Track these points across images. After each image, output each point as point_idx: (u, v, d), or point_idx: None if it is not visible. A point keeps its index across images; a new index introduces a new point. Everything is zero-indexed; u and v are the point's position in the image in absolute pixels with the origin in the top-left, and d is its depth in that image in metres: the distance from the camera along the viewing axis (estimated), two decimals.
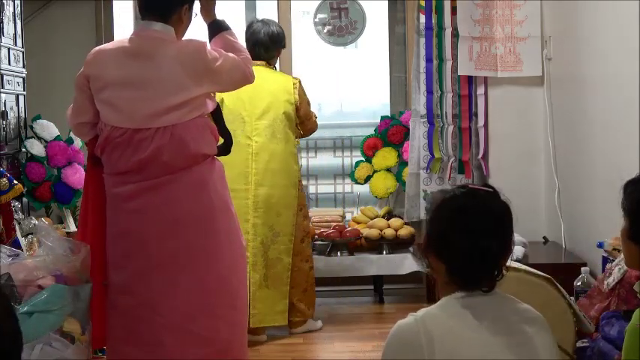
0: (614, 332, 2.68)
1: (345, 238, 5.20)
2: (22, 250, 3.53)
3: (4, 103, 4.88)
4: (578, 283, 3.35)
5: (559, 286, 2.75)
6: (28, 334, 1.63)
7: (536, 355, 1.87)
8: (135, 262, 3.07)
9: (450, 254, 1.89)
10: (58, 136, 5.27)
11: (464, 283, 1.89)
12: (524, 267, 2.84)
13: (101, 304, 3.12)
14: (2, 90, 4.83)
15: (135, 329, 3.07)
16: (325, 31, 5.91)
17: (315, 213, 5.59)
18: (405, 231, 5.25)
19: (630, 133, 3.58)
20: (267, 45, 4.66)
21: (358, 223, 5.45)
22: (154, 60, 3.03)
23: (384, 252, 5.27)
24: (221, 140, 3.40)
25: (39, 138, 5.26)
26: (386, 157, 5.56)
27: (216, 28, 3.30)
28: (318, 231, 5.26)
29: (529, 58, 5.01)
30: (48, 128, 5.28)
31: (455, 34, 5.05)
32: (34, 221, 4.19)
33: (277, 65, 5.61)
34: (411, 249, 5.31)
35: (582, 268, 3.42)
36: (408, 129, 5.34)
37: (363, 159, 5.65)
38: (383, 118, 5.70)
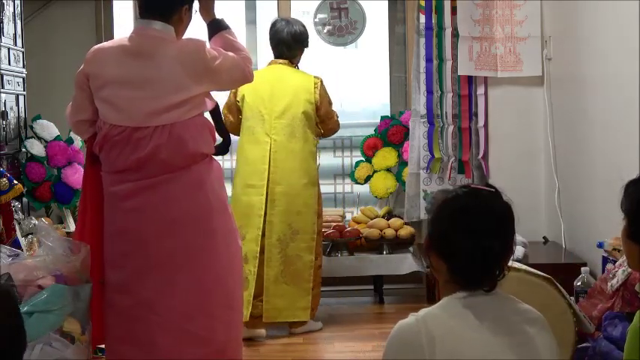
0: (617, 333, 2.68)
1: (345, 238, 5.21)
2: (22, 250, 3.54)
3: (4, 103, 4.88)
4: (578, 283, 3.35)
5: (559, 286, 2.75)
6: (28, 334, 1.64)
7: (537, 355, 1.87)
8: (133, 261, 3.07)
9: (452, 254, 1.89)
10: (58, 136, 5.27)
11: (465, 282, 1.89)
12: (524, 267, 2.85)
13: (100, 303, 3.12)
14: (2, 90, 4.83)
15: (131, 329, 3.07)
16: (325, 31, 5.91)
17: None
18: (405, 231, 5.25)
19: (630, 133, 3.58)
20: (290, 44, 4.69)
21: (358, 223, 5.45)
22: (153, 59, 3.03)
23: (384, 252, 5.27)
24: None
25: (39, 138, 5.26)
26: (386, 157, 5.56)
27: (216, 27, 3.31)
28: None
29: (529, 58, 5.00)
30: (48, 128, 5.29)
31: (455, 34, 5.05)
32: (34, 221, 4.20)
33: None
34: (411, 249, 5.31)
35: (582, 268, 3.42)
36: (408, 129, 5.34)
37: (363, 159, 5.65)
38: (383, 118, 5.70)
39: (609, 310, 2.91)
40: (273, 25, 4.76)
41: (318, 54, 6.02)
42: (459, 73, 5.07)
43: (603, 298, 3.00)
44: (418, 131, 5.22)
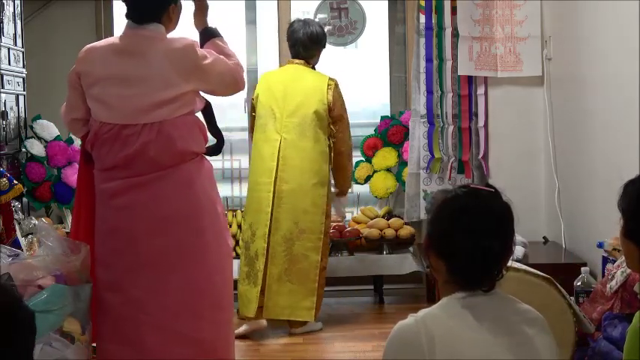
0: (617, 333, 2.68)
1: (345, 238, 5.20)
2: (22, 250, 3.54)
3: (4, 103, 4.88)
4: (578, 283, 3.35)
5: (559, 286, 2.75)
6: None
7: (536, 355, 1.87)
8: (122, 259, 3.09)
9: (452, 254, 1.89)
10: (58, 136, 5.27)
11: (465, 282, 1.89)
12: (524, 267, 2.85)
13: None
14: (2, 90, 4.83)
15: (120, 327, 3.08)
16: (325, 31, 5.90)
17: None
18: (405, 231, 5.25)
19: (630, 133, 3.58)
20: (306, 44, 4.72)
21: (358, 223, 5.45)
22: (143, 57, 3.07)
23: (384, 252, 5.27)
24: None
25: (39, 138, 5.26)
26: (386, 157, 5.56)
27: (208, 34, 3.34)
28: None
29: (529, 58, 5.00)
30: (48, 128, 5.29)
31: (455, 34, 5.05)
32: (34, 221, 4.20)
33: (278, 64, 5.66)
34: (411, 249, 5.31)
35: (582, 268, 3.42)
36: (408, 129, 5.34)
37: (363, 159, 5.65)
38: (383, 118, 5.70)
39: (609, 312, 2.91)
40: (291, 25, 4.81)
41: None
42: (459, 73, 5.07)
43: (604, 300, 3.00)
44: (418, 131, 5.22)
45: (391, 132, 5.57)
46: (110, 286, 3.09)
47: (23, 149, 5.19)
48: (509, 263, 1.95)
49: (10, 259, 2.95)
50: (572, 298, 3.13)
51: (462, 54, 5.02)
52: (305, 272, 4.57)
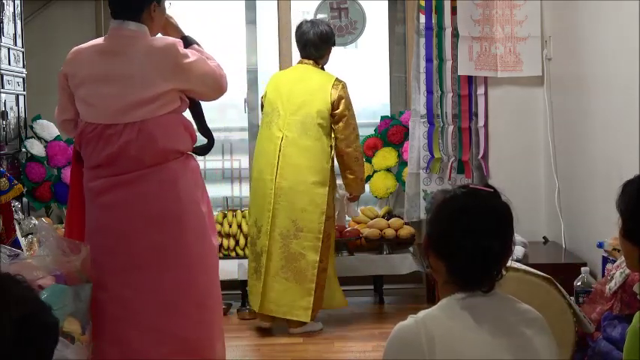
0: (616, 334, 2.68)
1: (345, 238, 5.20)
2: (22, 250, 3.54)
3: (4, 103, 4.88)
4: (578, 283, 3.35)
5: (559, 286, 2.75)
6: None
7: (536, 356, 1.87)
8: (107, 257, 3.10)
9: (451, 254, 1.89)
10: (58, 136, 5.28)
11: (465, 283, 1.89)
12: (524, 267, 2.84)
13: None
14: (2, 90, 4.83)
15: (107, 326, 3.10)
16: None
17: None
18: (405, 231, 5.25)
19: (630, 133, 3.58)
20: (317, 44, 4.75)
21: (358, 223, 5.45)
22: (124, 56, 3.10)
23: (384, 252, 5.27)
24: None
25: (39, 138, 5.26)
26: (386, 157, 5.56)
27: (187, 43, 3.32)
28: None
29: (529, 58, 5.00)
30: (48, 128, 5.29)
31: (455, 34, 5.05)
32: (34, 221, 4.20)
33: (278, 64, 5.66)
34: (411, 249, 5.31)
35: (582, 268, 3.41)
36: (408, 129, 5.34)
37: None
38: (383, 118, 5.70)
39: (608, 312, 2.90)
40: (299, 27, 4.82)
41: None
42: (459, 73, 5.07)
43: (603, 300, 3.00)
44: (418, 131, 5.22)
45: (391, 132, 5.57)
46: (97, 284, 3.11)
47: (23, 149, 5.19)
48: (509, 263, 1.95)
49: (10, 259, 2.95)
50: (572, 298, 3.13)
51: (462, 54, 5.02)
52: (302, 271, 4.56)
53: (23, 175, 5.13)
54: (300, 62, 4.82)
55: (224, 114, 6.32)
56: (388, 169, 5.58)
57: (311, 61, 4.76)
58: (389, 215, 5.50)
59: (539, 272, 2.79)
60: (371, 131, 5.66)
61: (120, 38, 3.14)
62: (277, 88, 4.72)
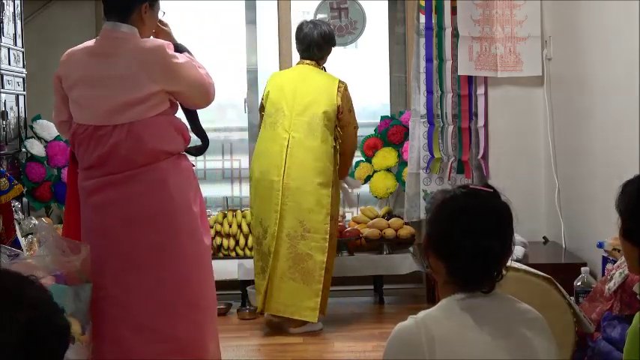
0: (616, 334, 2.68)
1: (345, 238, 5.20)
2: (22, 250, 3.54)
3: (4, 103, 4.88)
4: (578, 283, 3.35)
5: (559, 286, 2.75)
6: None
7: (535, 356, 1.87)
8: (99, 256, 3.11)
9: (451, 254, 1.89)
10: (58, 136, 5.27)
11: (464, 283, 1.89)
12: (524, 267, 2.84)
13: None
14: (2, 90, 4.83)
15: (100, 324, 3.10)
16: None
17: None
18: (405, 231, 5.25)
19: (630, 133, 3.58)
20: (321, 44, 4.76)
21: (358, 223, 5.45)
22: (113, 58, 3.11)
23: (384, 252, 5.27)
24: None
25: (39, 138, 5.26)
26: (386, 157, 5.56)
27: (178, 51, 3.32)
28: None
29: (529, 58, 5.01)
30: (48, 128, 5.29)
31: (455, 34, 5.05)
32: (34, 221, 4.20)
33: (278, 64, 5.66)
34: (411, 249, 5.31)
35: (582, 268, 3.42)
36: (408, 129, 5.34)
37: (363, 159, 5.65)
38: (383, 118, 5.69)
39: (608, 312, 2.90)
40: (301, 28, 4.80)
41: None
42: (459, 73, 5.07)
43: (603, 299, 3.00)
44: (418, 131, 5.22)
45: (391, 132, 5.57)
46: (92, 283, 3.11)
47: (23, 149, 5.19)
48: (509, 263, 1.95)
49: (10, 259, 2.95)
50: (572, 298, 3.13)
51: (461, 54, 5.02)
52: (310, 272, 4.57)
53: (23, 175, 5.13)
54: (300, 63, 4.81)
55: (224, 114, 6.32)
56: (388, 169, 5.58)
57: (313, 62, 4.76)
58: (389, 215, 5.50)
59: (539, 272, 2.79)
60: (371, 131, 5.66)
61: (110, 40, 3.15)
62: (280, 88, 4.70)
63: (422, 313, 1.88)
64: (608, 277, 3.01)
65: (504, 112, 5.11)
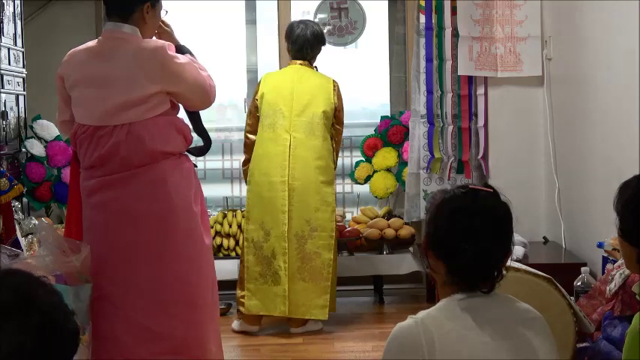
0: (617, 334, 2.68)
1: (345, 238, 5.20)
2: (22, 250, 3.54)
3: (4, 103, 4.88)
4: (578, 283, 3.35)
5: (559, 286, 2.75)
6: None
7: (535, 356, 1.87)
8: (97, 255, 3.10)
9: (451, 254, 1.89)
10: (58, 136, 5.27)
11: (464, 283, 1.89)
12: (524, 267, 2.84)
13: None
14: (2, 90, 4.83)
15: (97, 323, 3.10)
16: (325, 31, 5.90)
17: None
18: (405, 231, 5.25)
19: (630, 133, 3.58)
20: (314, 44, 4.79)
21: (358, 223, 5.45)
22: (114, 59, 3.11)
23: (384, 252, 5.27)
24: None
25: (39, 138, 5.26)
26: (386, 157, 5.56)
27: (180, 52, 3.32)
28: None
29: (529, 58, 5.01)
30: (48, 128, 5.29)
31: (455, 34, 5.05)
32: (34, 221, 4.20)
33: (278, 64, 5.65)
34: (411, 249, 5.31)
35: (582, 268, 3.41)
36: (408, 129, 5.34)
37: (363, 159, 5.65)
38: (383, 118, 5.69)
39: (609, 311, 2.90)
40: (293, 29, 4.81)
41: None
42: (459, 73, 5.07)
43: (603, 299, 2.99)
44: (418, 131, 5.22)
45: (391, 132, 5.57)
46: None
47: (23, 149, 5.19)
48: (509, 263, 1.95)
49: (10, 259, 2.95)
50: (572, 298, 3.13)
51: (461, 54, 5.02)
52: (318, 270, 4.59)
53: (23, 175, 5.13)
54: (291, 63, 4.81)
55: (223, 114, 6.33)
56: (388, 169, 5.58)
57: (305, 62, 4.77)
58: (389, 215, 5.50)
59: (539, 272, 2.79)
60: (371, 131, 5.66)
61: (111, 40, 3.15)
62: (276, 89, 4.71)
63: (421, 313, 1.87)
64: (609, 278, 3.00)
65: (504, 112, 5.11)
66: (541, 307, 1.99)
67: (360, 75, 6.08)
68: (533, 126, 5.05)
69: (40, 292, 1.42)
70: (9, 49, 4.95)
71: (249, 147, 4.78)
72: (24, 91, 5.23)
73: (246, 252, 4.69)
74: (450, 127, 5.13)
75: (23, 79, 5.21)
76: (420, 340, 1.81)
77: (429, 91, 5.15)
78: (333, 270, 4.64)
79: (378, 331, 4.65)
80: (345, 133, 5.91)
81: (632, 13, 3.54)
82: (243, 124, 5.78)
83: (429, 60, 5.15)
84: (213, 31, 5.91)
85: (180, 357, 3.13)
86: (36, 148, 5.20)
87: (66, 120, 3.27)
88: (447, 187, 2.15)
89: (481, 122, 5.10)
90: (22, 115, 5.22)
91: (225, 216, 5.38)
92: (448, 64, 5.10)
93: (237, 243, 5.29)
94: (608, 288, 2.96)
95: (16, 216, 3.91)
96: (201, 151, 3.45)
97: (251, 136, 4.77)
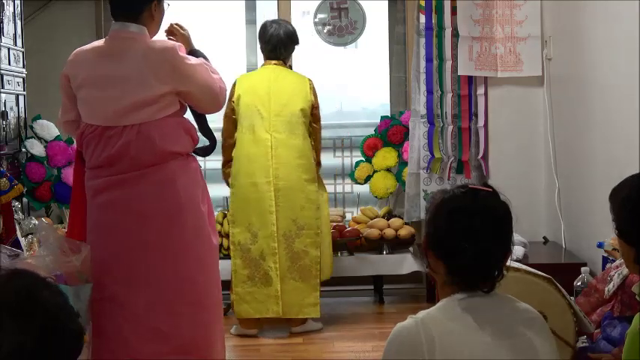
0: (616, 333, 2.68)
1: (345, 238, 5.20)
2: (22, 250, 3.54)
3: (4, 103, 4.88)
4: (578, 283, 3.34)
5: (559, 286, 2.74)
6: None
7: (535, 356, 1.87)
8: (102, 254, 3.10)
9: (450, 254, 1.89)
10: (58, 136, 5.27)
11: (464, 283, 1.89)
12: (524, 267, 2.84)
13: None
14: (2, 90, 4.82)
15: (101, 322, 3.10)
16: (325, 31, 5.90)
17: None
18: (405, 231, 5.25)
19: (630, 133, 3.58)
20: (287, 43, 4.79)
21: (358, 223, 5.45)
22: (122, 59, 3.10)
23: (384, 252, 5.27)
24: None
25: (39, 138, 5.26)
26: (386, 157, 5.56)
27: (193, 55, 3.32)
28: None
29: (529, 58, 5.01)
30: (48, 128, 5.29)
31: (455, 34, 5.05)
32: (34, 221, 4.20)
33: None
34: (411, 249, 5.31)
35: (582, 268, 3.41)
36: (408, 129, 5.34)
37: (363, 159, 5.65)
38: (383, 118, 5.69)
39: (609, 312, 2.90)
40: (266, 29, 4.81)
41: (318, 54, 6.02)
42: (459, 73, 5.07)
43: (600, 298, 2.99)
44: (418, 131, 5.22)
45: (391, 132, 5.56)
46: (95, 282, 3.11)
47: (23, 149, 5.19)
48: (509, 263, 1.95)
49: (10, 259, 2.95)
50: (572, 298, 3.13)
51: (461, 54, 5.02)
52: (307, 269, 4.61)
53: (23, 175, 5.13)
54: (266, 64, 4.80)
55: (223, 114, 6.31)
56: (388, 169, 5.58)
57: (280, 62, 4.77)
58: (389, 215, 5.50)
59: (539, 272, 2.79)
60: (371, 131, 5.66)
61: (119, 40, 3.14)
62: (252, 90, 4.69)
63: (421, 313, 1.87)
64: (606, 276, 3.00)
65: (504, 112, 5.11)
66: (541, 307, 1.99)
67: (360, 75, 6.08)
68: (533, 126, 5.05)
69: (45, 293, 1.42)
70: (9, 49, 4.95)
71: (227, 149, 4.76)
72: (24, 91, 5.23)
73: (233, 255, 4.68)
74: (450, 127, 5.13)
75: (23, 79, 5.21)
76: (420, 340, 1.81)
77: (429, 91, 5.15)
78: (321, 267, 4.65)
79: (378, 331, 4.65)
80: (345, 133, 5.93)
81: (633, 13, 3.54)
82: None
83: (429, 60, 5.15)
84: (213, 31, 5.90)
85: (187, 357, 3.13)
86: (36, 148, 5.20)
87: (71, 120, 3.25)
88: (447, 187, 2.15)
89: (481, 122, 5.10)
90: (22, 115, 5.22)
91: (225, 216, 5.37)
92: (448, 64, 5.10)
93: None
94: (606, 289, 2.96)
95: (16, 216, 3.91)
96: (207, 152, 3.46)
97: (229, 140, 4.75)
